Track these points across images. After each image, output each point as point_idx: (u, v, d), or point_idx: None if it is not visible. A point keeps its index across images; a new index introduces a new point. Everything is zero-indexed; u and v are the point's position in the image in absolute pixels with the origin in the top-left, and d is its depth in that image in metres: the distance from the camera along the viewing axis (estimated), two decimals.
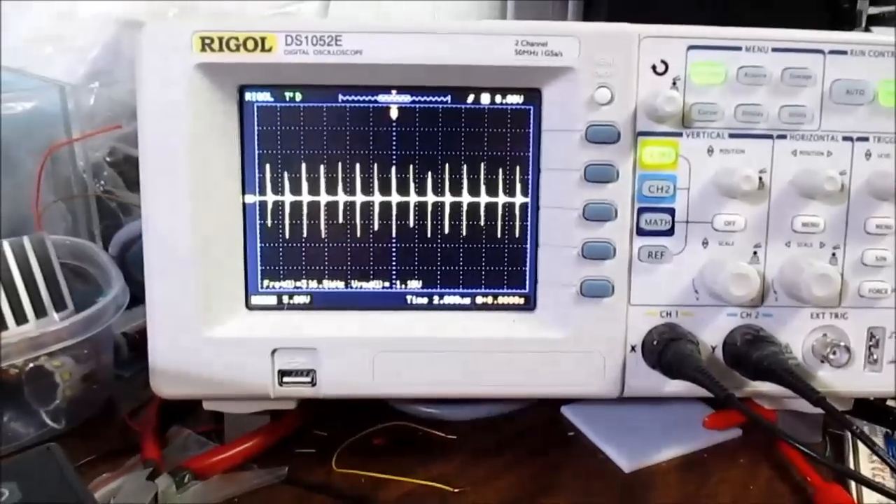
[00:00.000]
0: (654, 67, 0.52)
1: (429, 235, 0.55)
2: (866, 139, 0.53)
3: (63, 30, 0.84)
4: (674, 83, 0.52)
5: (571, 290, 0.53)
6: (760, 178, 0.52)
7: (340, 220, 0.55)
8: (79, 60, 0.82)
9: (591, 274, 0.53)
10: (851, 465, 0.56)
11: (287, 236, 0.55)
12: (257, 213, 0.54)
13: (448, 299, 0.56)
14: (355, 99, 0.54)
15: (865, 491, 0.51)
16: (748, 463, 0.57)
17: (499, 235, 0.55)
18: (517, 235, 0.55)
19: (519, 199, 0.55)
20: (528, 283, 0.56)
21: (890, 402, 0.60)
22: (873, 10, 0.86)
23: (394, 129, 0.54)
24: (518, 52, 0.51)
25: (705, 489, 0.54)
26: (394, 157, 0.54)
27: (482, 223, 0.55)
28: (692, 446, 0.59)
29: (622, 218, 0.53)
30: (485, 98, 0.54)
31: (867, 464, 0.56)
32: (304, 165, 0.54)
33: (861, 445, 0.57)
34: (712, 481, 0.55)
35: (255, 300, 0.56)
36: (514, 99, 0.54)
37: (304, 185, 0.54)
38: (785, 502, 0.53)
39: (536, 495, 0.53)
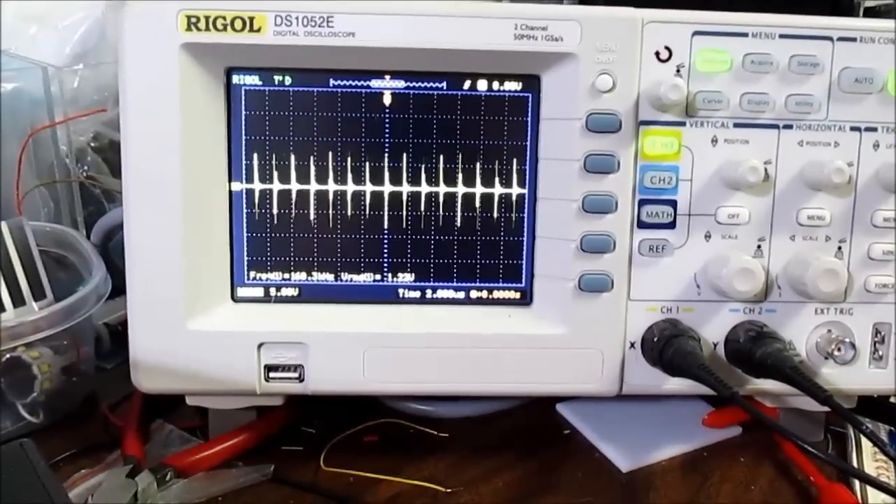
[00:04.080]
0: (657, 54, 0.50)
1: (422, 227, 0.54)
2: (874, 129, 0.52)
3: (48, 9, 0.83)
4: (678, 70, 0.51)
5: (569, 284, 0.52)
6: (765, 170, 0.51)
7: (330, 209, 0.53)
8: (64, 41, 0.81)
9: (590, 268, 0.51)
10: (855, 464, 0.55)
11: (275, 226, 0.53)
12: (244, 201, 0.53)
13: (441, 293, 0.55)
14: (347, 84, 0.52)
15: (870, 490, 0.51)
16: (749, 462, 0.56)
17: (495, 227, 0.54)
18: (514, 227, 0.54)
19: (516, 190, 0.53)
20: (524, 276, 0.54)
21: (893, 399, 0.59)
22: (870, 3, 0.86)
23: (387, 115, 0.52)
24: (517, 36, 0.50)
25: (706, 489, 0.53)
26: (386, 145, 0.53)
27: (477, 214, 0.54)
28: (691, 445, 0.58)
29: (622, 210, 0.51)
30: (482, 84, 0.52)
31: (871, 462, 0.56)
32: (293, 152, 0.52)
33: (865, 444, 0.57)
34: (713, 481, 0.54)
35: (241, 292, 0.54)
36: (512, 86, 0.52)
37: (293, 173, 0.53)
38: (789, 502, 0.52)
39: (531, 496, 0.52)
